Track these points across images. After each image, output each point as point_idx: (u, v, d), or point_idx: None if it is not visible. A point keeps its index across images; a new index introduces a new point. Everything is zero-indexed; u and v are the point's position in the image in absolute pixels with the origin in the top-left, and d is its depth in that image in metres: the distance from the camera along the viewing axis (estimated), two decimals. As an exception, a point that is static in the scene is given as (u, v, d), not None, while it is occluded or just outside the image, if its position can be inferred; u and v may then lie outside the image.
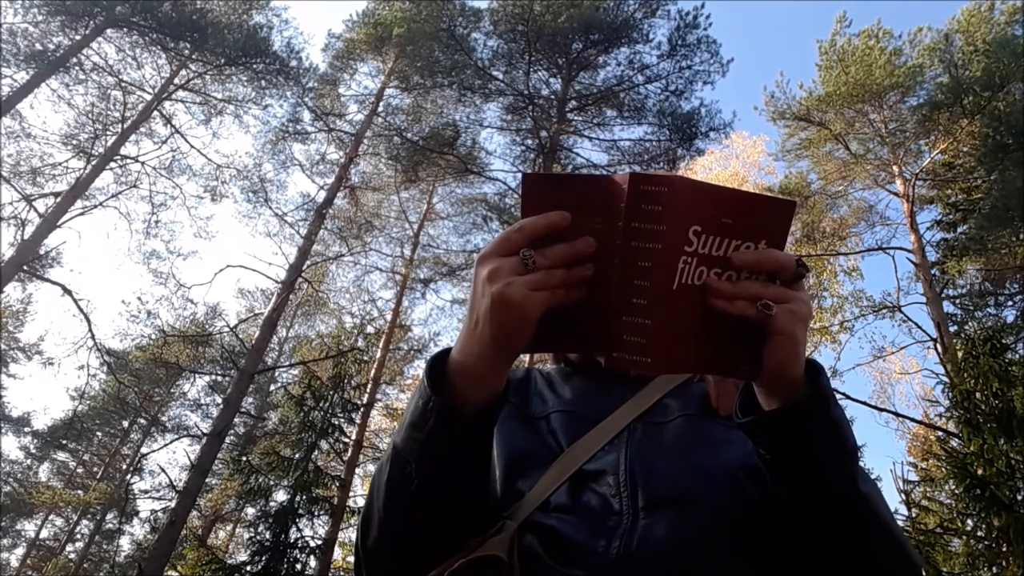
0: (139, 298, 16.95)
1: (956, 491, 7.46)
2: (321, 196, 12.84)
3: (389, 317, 14.71)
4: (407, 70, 14.13)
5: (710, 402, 0.83)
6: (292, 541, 10.17)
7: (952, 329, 10.41)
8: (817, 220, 13.43)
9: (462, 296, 15.44)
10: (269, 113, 13.98)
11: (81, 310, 11.04)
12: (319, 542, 10.56)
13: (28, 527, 21.61)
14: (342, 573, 14.06)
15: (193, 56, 12.97)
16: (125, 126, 12.52)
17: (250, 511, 11.47)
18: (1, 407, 20.20)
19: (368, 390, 13.03)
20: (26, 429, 21.13)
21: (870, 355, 14.09)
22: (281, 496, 10.70)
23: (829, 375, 0.63)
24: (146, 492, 19.26)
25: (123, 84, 12.92)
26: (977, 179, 12.03)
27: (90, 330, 11.24)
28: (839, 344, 13.37)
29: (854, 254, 13.69)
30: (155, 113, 13.20)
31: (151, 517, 16.63)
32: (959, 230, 12.31)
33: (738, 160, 15.66)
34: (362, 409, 12.62)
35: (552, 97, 13.09)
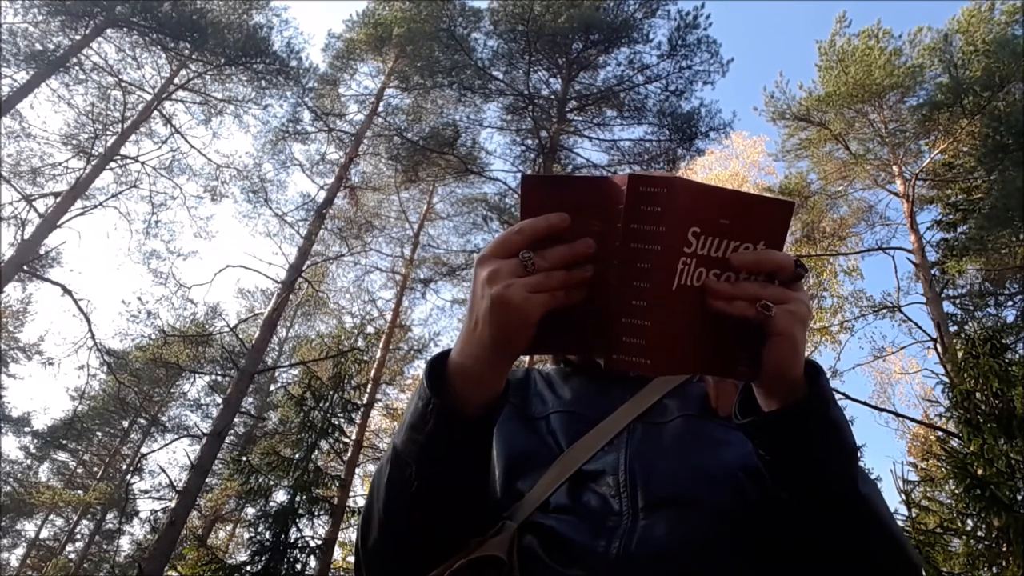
0: (139, 298, 16.99)
1: (956, 491, 7.46)
2: (321, 196, 12.85)
3: (389, 317, 14.72)
4: (407, 70, 14.13)
5: (710, 402, 0.83)
6: (292, 541, 10.17)
7: (952, 329, 10.41)
8: (817, 220, 13.43)
9: (462, 296, 15.44)
10: (269, 113, 14.01)
11: (81, 310, 11.04)
12: (319, 542, 10.56)
13: (28, 527, 21.64)
14: (342, 573, 14.06)
15: (193, 56, 12.97)
16: (125, 126, 12.52)
17: (250, 511, 11.48)
18: (1, 407, 20.21)
19: (368, 390, 13.03)
20: (26, 429, 21.15)
21: (870, 355, 14.11)
22: (281, 496, 10.71)
23: (829, 375, 0.63)
24: (146, 492, 19.29)
25: (123, 84, 12.92)
26: (977, 179, 12.03)
27: (90, 330, 11.25)
28: (839, 344, 13.39)
29: (854, 254, 13.70)
30: (155, 113, 13.20)
31: (151, 517, 16.65)
32: (959, 230, 12.31)
33: (738, 160, 15.66)
34: (362, 409, 12.62)
35: (552, 97, 13.09)
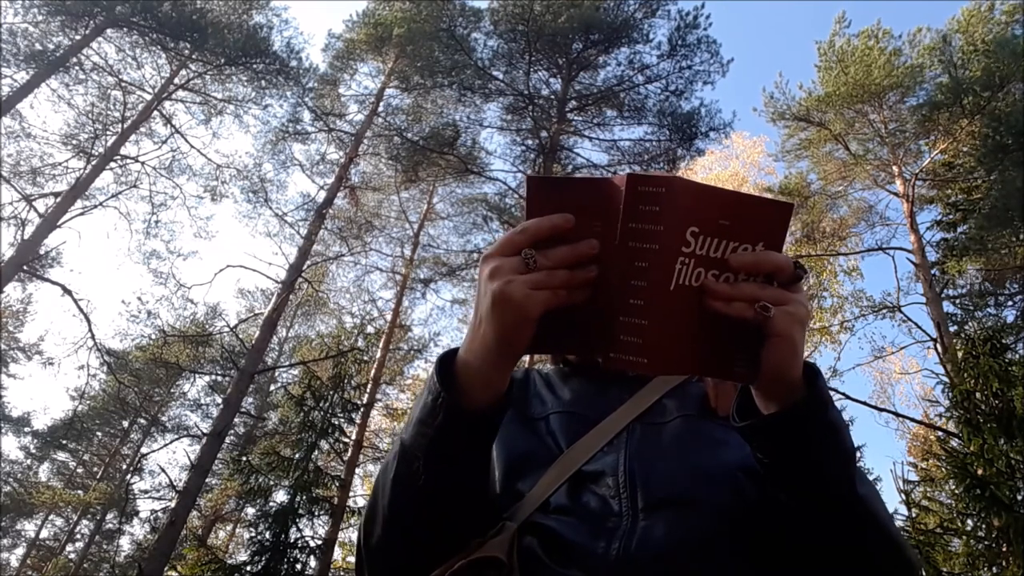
0: (139, 298, 16.97)
1: (956, 491, 7.46)
2: (321, 196, 12.85)
3: (389, 317, 14.72)
4: (407, 70, 14.13)
5: (709, 402, 0.83)
6: (292, 541, 10.17)
7: (952, 329, 10.41)
8: (817, 220, 13.43)
9: (462, 296, 15.45)
10: (269, 113, 14.00)
11: (81, 310, 11.04)
12: (319, 542, 10.56)
13: (28, 527, 21.64)
14: (342, 573, 14.06)
15: (193, 56, 12.97)
16: (125, 126, 12.52)
17: (250, 511, 11.48)
18: (1, 407, 20.21)
19: (368, 390, 13.03)
20: (26, 429, 21.15)
21: (870, 355, 14.09)
22: (281, 496, 10.71)
23: (829, 375, 0.64)
24: (146, 492, 19.28)
25: (123, 84, 12.92)
26: (977, 179, 12.03)
27: (90, 330, 11.25)
28: (839, 344, 13.37)
29: (854, 254, 13.70)
30: (155, 113, 13.20)
31: (151, 517, 16.65)
32: (959, 230, 12.30)
33: (738, 160, 15.68)
34: (362, 409, 12.62)
35: (552, 97, 13.09)
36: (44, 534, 21.72)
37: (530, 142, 13.09)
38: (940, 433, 9.05)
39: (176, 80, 13.40)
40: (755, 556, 0.69)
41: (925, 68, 12.65)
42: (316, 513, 10.62)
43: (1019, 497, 6.70)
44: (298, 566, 10.09)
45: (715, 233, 0.57)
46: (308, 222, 12.37)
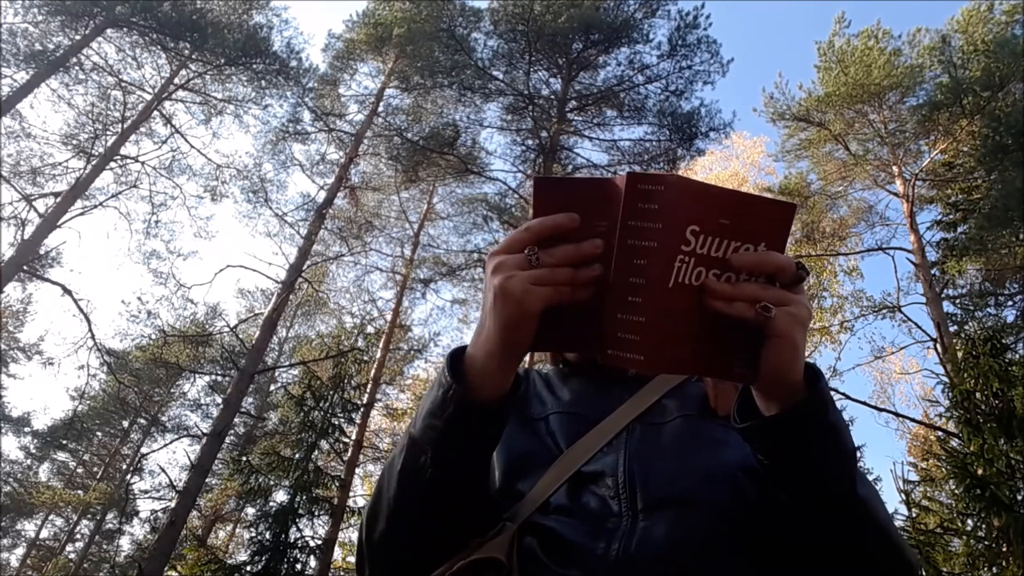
0: (139, 298, 16.94)
1: (956, 491, 7.46)
2: (321, 196, 12.84)
3: (389, 317, 14.71)
4: (407, 70, 14.13)
5: (709, 402, 0.83)
6: (292, 541, 10.17)
7: (952, 329, 10.41)
8: (817, 220, 13.43)
9: (462, 296, 15.45)
10: (269, 113, 14.00)
11: (81, 310, 11.04)
12: (319, 542, 10.56)
13: (28, 527, 21.64)
14: (342, 573, 14.07)
15: (193, 56, 12.97)
16: (125, 126, 12.52)
17: (250, 511, 11.48)
18: (1, 407, 20.20)
19: (368, 390, 13.02)
20: (26, 429, 21.15)
21: (870, 355, 14.09)
22: (281, 496, 10.71)
23: (829, 375, 0.64)
24: (146, 492, 19.27)
25: (123, 84, 12.92)
26: (977, 179, 12.03)
27: (90, 330, 11.25)
28: (839, 344, 13.37)
29: (854, 254, 13.70)
30: (155, 113, 13.20)
31: (151, 517, 16.66)
32: (959, 230, 12.30)
33: (738, 160, 15.68)
34: (362, 409, 12.62)
35: (552, 97, 13.09)
36: (44, 534, 21.75)
37: (530, 142, 13.09)
38: (940, 433, 9.05)
39: (176, 80, 13.40)
40: (755, 556, 0.69)
41: (925, 68, 12.65)
42: (316, 513, 10.62)
43: (1019, 497, 6.70)
44: (298, 566, 10.09)
45: (716, 232, 0.57)
46: (308, 222, 12.37)
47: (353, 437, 12.22)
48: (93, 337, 11.35)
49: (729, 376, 0.61)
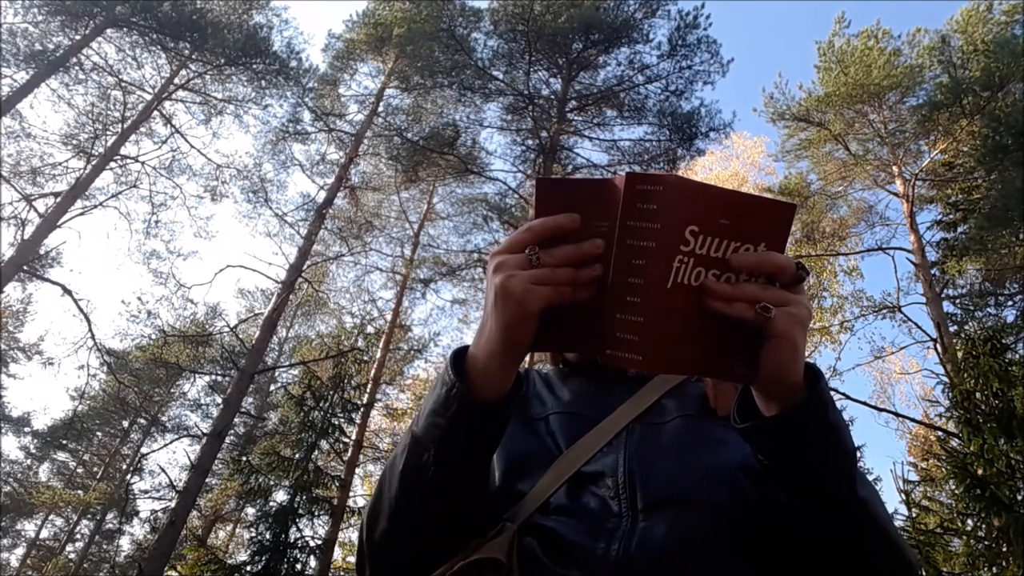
0: (139, 298, 16.96)
1: (956, 491, 7.46)
2: (321, 196, 12.84)
3: (389, 317, 14.71)
4: (407, 70, 14.13)
5: (708, 402, 0.83)
6: (292, 541, 10.17)
7: (952, 329, 10.41)
8: (817, 220, 13.43)
9: (462, 296, 15.45)
10: (269, 113, 14.00)
11: (81, 310, 11.04)
12: (319, 542, 10.56)
13: (28, 527, 21.64)
14: (342, 573, 14.06)
15: (193, 56, 12.97)
16: (125, 126, 12.52)
17: (250, 511, 11.48)
18: (1, 407, 20.20)
19: (368, 390, 13.02)
20: (26, 429, 21.14)
21: (870, 355, 14.09)
22: (281, 496, 10.71)
23: (829, 375, 0.64)
24: (146, 492, 19.27)
25: (123, 84, 12.92)
26: (977, 179, 12.02)
27: (90, 330, 11.24)
28: (839, 344, 13.38)
29: (854, 254, 13.70)
30: (155, 113, 13.20)
31: (151, 517, 16.65)
32: (959, 230, 12.30)
33: (738, 160, 15.69)
34: (362, 409, 12.62)
35: (552, 97, 13.08)
36: (44, 534, 21.75)
37: (530, 142, 13.08)
38: (940, 433, 9.05)
39: (176, 80, 13.40)
40: (755, 556, 0.69)
41: (925, 68, 12.65)
42: (316, 513, 10.62)
43: (1019, 497, 6.70)
44: (298, 566, 10.08)
45: (715, 232, 0.57)
46: (308, 222, 12.36)
47: (353, 437, 12.22)
48: (93, 337, 11.35)
49: (729, 376, 0.61)
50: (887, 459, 21.80)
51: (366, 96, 14.81)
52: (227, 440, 15.14)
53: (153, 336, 14.32)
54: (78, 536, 21.24)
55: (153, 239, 15.78)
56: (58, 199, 11.50)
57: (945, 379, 8.87)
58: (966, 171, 12.40)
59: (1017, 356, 8.08)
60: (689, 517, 0.70)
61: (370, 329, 14.12)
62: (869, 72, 12.59)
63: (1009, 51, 10.83)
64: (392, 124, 14.25)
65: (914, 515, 8.54)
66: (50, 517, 21.08)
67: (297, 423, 11.47)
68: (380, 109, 14.37)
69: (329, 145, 14.14)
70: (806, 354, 0.60)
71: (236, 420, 14.14)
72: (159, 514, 15.48)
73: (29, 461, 21.73)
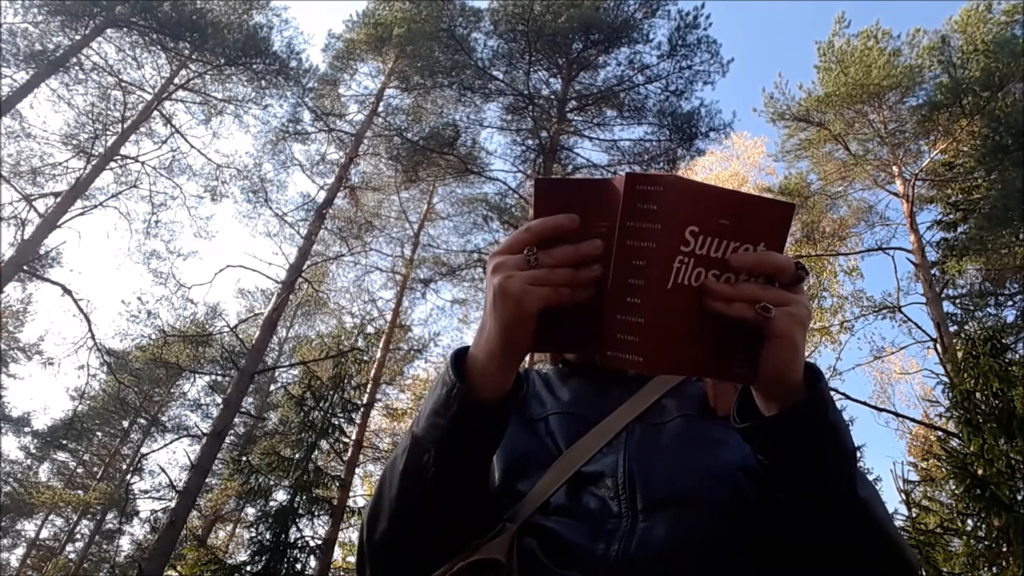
0: (139, 298, 16.96)
1: (956, 491, 7.46)
2: (321, 196, 12.84)
3: (389, 317, 14.71)
4: (407, 70, 14.13)
5: (708, 402, 0.83)
6: (292, 541, 10.17)
7: (952, 329, 10.40)
8: (817, 220, 13.43)
9: (462, 296, 15.45)
10: (269, 113, 14.00)
11: (81, 310, 11.04)
12: (319, 542, 10.56)
13: (28, 527, 21.64)
14: (342, 573, 14.06)
15: (193, 56, 12.97)
16: (125, 126, 12.52)
17: (250, 511, 11.49)
18: (1, 407, 20.20)
19: (368, 390, 13.02)
20: (26, 429, 21.15)
21: (870, 355, 14.08)
22: (281, 496, 10.71)
23: (829, 375, 0.64)
24: (146, 492, 19.27)
25: (123, 84, 12.92)
26: (977, 179, 12.02)
27: (90, 330, 11.24)
28: (839, 344, 13.38)
29: (854, 254, 13.70)
30: (155, 113, 13.20)
31: (151, 517, 16.64)
32: (959, 230, 12.29)
33: (738, 160, 15.69)
34: (362, 409, 12.62)
35: (552, 97, 13.08)
36: (44, 534, 21.75)
37: (530, 142, 13.08)
38: (940, 433, 9.05)
39: (176, 80, 13.40)
40: (755, 556, 0.69)
41: (924, 68, 12.65)
42: (316, 513, 10.62)
43: (1019, 497, 6.69)
44: (298, 566, 10.08)
45: (715, 233, 0.57)
46: (308, 222, 12.36)
47: (353, 437, 12.22)
48: (93, 337, 11.35)
49: (729, 376, 0.61)
50: (887, 459, 21.84)
51: (366, 96, 14.82)
52: (227, 440, 15.14)
53: (153, 336, 14.33)
54: (78, 536, 21.25)
55: (153, 239, 15.80)
56: (58, 199, 11.50)
57: (945, 379, 8.87)
58: (966, 171, 12.39)
59: (1017, 356, 8.08)
60: (689, 517, 0.70)
61: (370, 329, 14.12)
62: (869, 72, 12.59)
63: (1009, 51, 10.83)
64: (392, 124, 14.25)
65: (914, 515, 8.54)
66: (50, 517, 21.09)
67: (297, 423, 11.47)
68: (380, 109, 14.38)
69: (329, 145, 14.15)
70: (806, 354, 0.60)
71: (236, 420, 14.13)
72: (159, 514, 15.48)
73: (29, 461, 21.75)
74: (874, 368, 15.39)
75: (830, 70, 13.31)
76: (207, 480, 11.36)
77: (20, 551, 21.74)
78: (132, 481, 18.66)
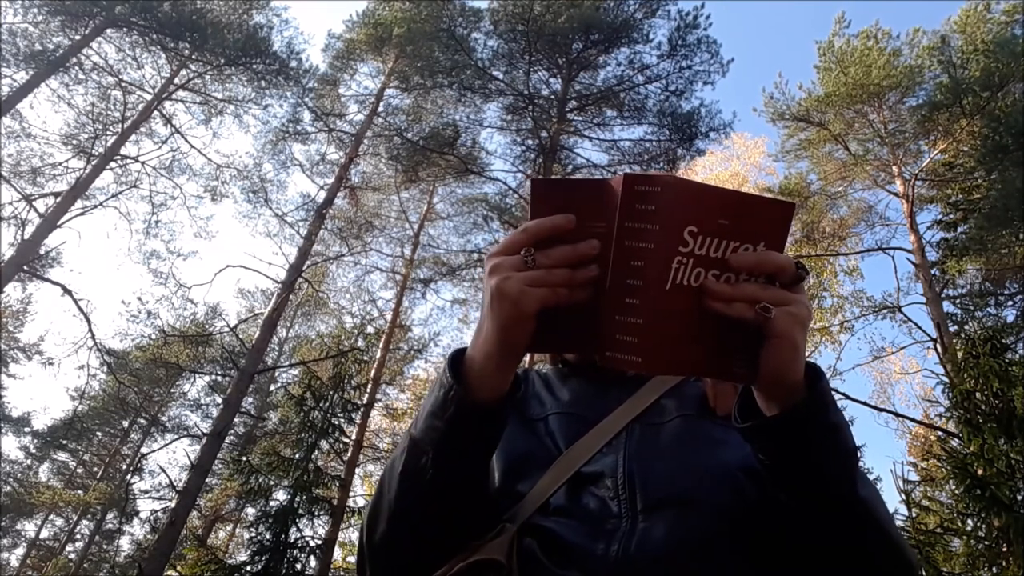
0: (139, 298, 16.97)
1: (956, 491, 7.45)
2: (321, 196, 12.84)
3: (389, 317, 14.71)
4: (407, 70, 14.13)
5: (707, 402, 0.83)
6: (292, 541, 10.17)
7: (952, 329, 10.40)
8: (817, 220, 13.43)
9: (462, 296, 15.45)
10: (269, 113, 14.00)
11: (81, 310, 11.04)
12: (319, 542, 10.56)
13: (28, 527, 21.64)
14: (342, 573, 14.06)
15: (193, 56, 12.97)
16: (125, 126, 12.52)
17: (250, 511, 11.48)
18: (1, 407, 20.20)
19: (368, 390, 13.02)
20: (26, 429, 21.15)
21: (870, 355, 14.10)
22: (281, 496, 10.70)
23: (829, 375, 0.64)
24: (146, 492, 19.27)
25: (123, 84, 12.92)
26: (977, 179, 12.02)
27: (90, 330, 11.24)
28: (839, 344, 13.39)
29: (854, 254, 13.70)
30: (155, 113, 13.20)
31: (151, 517, 16.65)
32: (959, 230, 12.29)
33: (738, 161, 15.69)
34: (362, 409, 12.62)
35: (552, 97, 13.08)
36: (44, 534, 21.75)
37: (530, 142, 13.08)
38: (940, 433, 9.05)
39: (176, 80, 13.40)
40: (755, 556, 0.69)
41: (924, 68, 12.65)
42: (316, 513, 10.62)
43: (1019, 497, 6.69)
44: (298, 566, 10.08)
45: (714, 233, 0.57)
46: (308, 222, 12.36)
47: (353, 437, 12.22)
48: (93, 337, 11.35)
49: (729, 377, 0.60)
50: (887, 459, 21.83)
51: (366, 96, 14.82)
52: (227, 440, 15.14)
53: (153, 336, 14.34)
54: (78, 536, 21.25)
55: (153, 239, 15.79)
56: (58, 199, 11.50)
57: (945, 379, 8.86)
58: (966, 171, 12.39)
59: (1017, 356, 8.08)
60: (689, 517, 0.70)
61: (370, 329, 14.12)
62: (869, 72, 12.59)
63: (1009, 51, 10.83)
64: (392, 124, 14.25)
65: (914, 515, 8.54)
66: (50, 517, 21.09)
67: (297, 423, 11.47)
68: (380, 109, 14.38)
69: (329, 145, 14.15)
70: (806, 354, 0.60)
71: (236, 420, 14.14)
72: (159, 514, 15.48)
73: (29, 461, 21.75)
74: (874, 368, 15.41)
75: (830, 70, 13.31)
76: (207, 480, 11.36)
77: (20, 551, 21.77)
78: (132, 481, 18.67)
